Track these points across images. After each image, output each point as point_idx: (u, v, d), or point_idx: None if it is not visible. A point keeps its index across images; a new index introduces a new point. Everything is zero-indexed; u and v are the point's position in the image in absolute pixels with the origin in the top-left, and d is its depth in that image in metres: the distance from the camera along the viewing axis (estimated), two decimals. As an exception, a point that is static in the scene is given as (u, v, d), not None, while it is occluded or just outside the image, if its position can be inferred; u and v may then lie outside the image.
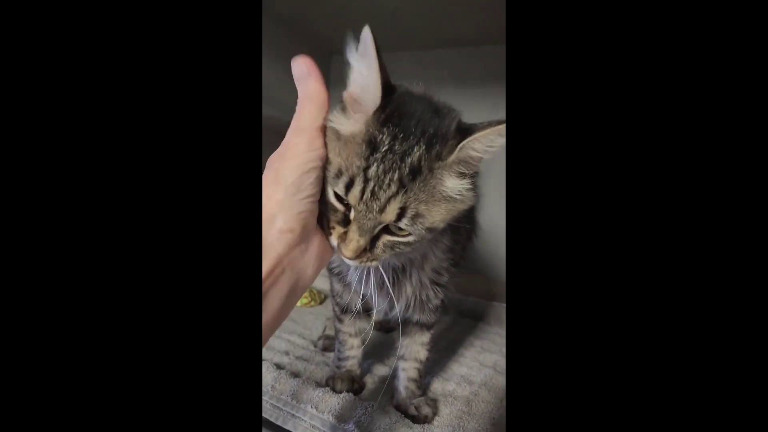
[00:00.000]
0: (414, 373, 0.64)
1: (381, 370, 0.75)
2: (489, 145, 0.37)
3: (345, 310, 0.65)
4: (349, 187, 0.36)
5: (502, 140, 0.36)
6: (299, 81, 0.38)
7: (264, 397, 0.64)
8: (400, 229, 0.38)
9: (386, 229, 0.39)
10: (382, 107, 0.37)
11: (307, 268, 0.37)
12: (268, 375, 0.68)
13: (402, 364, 0.64)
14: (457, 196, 0.39)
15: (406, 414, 0.61)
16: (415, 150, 0.36)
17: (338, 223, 0.39)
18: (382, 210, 0.36)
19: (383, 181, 0.36)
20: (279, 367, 0.71)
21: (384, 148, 0.36)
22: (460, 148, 0.36)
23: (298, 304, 1.06)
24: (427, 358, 0.65)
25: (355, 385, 0.67)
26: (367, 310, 0.67)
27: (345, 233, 0.38)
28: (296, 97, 0.38)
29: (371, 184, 0.36)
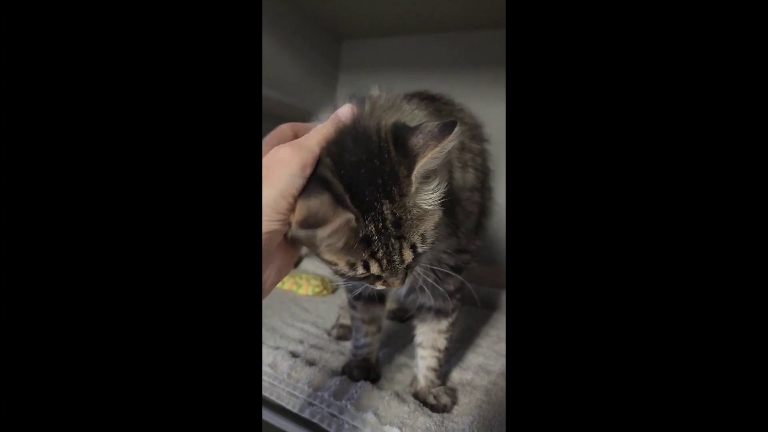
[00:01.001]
0: (433, 362, 0.63)
1: (398, 359, 0.74)
2: (439, 156, 0.38)
3: (357, 296, 0.65)
4: (367, 267, 0.39)
5: (450, 144, 0.37)
6: (333, 116, 0.40)
7: (280, 385, 0.64)
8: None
9: None
10: (355, 217, 0.37)
11: (267, 283, 0.37)
12: (284, 363, 0.67)
13: (420, 352, 0.63)
14: (436, 196, 0.40)
15: (425, 403, 0.60)
16: (386, 210, 0.37)
17: (375, 281, 0.42)
18: (402, 262, 0.40)
19: (390, 251, 0.39)
20: (294, 355, 0.70)
21: (375, 236, 0.38)
22: (415, 178, 0.38)
23: (310, 292, 1.05)
24: (447, 348, 0.63)
25: (372, 373, 0.66)
26: (380, 297, 0.66)
27: (384, 281, 0.42)
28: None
29: (384, 260, 0.39)
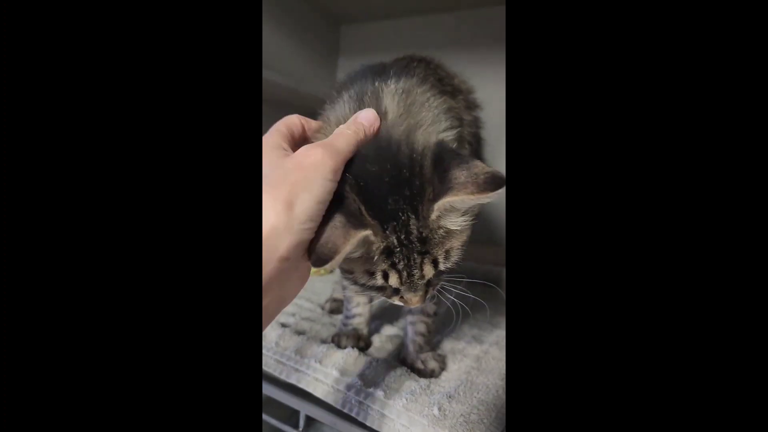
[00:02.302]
0: (422, 327, 0.61)
1: (389, 330, 0.73)
2: (469, 202, 0.36)
3: None
4: (386, 278, 0.38)
5: (487, 200, 0.35)
6: (356, 121, 0.38)
7: (268, 353, 0.63)
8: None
9: None
10: (372, 232, 0.36)
11: (289, 292, 0.35)
12: (272, 332, 0.66)
13: (410, 318, 0.62)
14: (464, 219, 0.38)
15: (412, 368, 0.59)
16: (412, 225, 0.36)
17: (393, 295, 0.41)
18: (422, 277, 0.38)
19: (411, 264, 0.37)
20: (284, 325, 0.70)
21: (397, 247, 0.36)
22: (437, 207, 0.36)
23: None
24: (436, 313, 0.62)
25: (360, 342, 0.65)
26: None
27: (402, 298, 0.41)
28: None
29: (404, 272, 0.38)
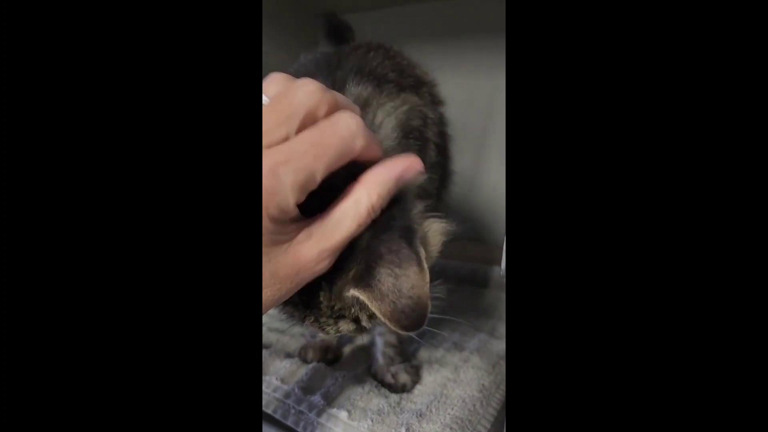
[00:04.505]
0: (392, 338, 0.56)
1: (360, 340, 0.68)
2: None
3: None
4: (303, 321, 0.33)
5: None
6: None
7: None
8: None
9: None
10: None
11: None
12: (234, 347, 0.61)
13: (379, 329, 0.57)
14: None
15: (382, 383, 0.54)
16: (322, 296, 0.30)
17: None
18: (337, 332, 0.32)
19: (321, 323, 0.32)
20: (249, 338, 0.65)
21: (300, 305, 0.31)
22: (353, 290, 0.29)
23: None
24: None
25: (329, 354, 0.60)
26: None
27: None
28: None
29: (315, 326, 0.32)
